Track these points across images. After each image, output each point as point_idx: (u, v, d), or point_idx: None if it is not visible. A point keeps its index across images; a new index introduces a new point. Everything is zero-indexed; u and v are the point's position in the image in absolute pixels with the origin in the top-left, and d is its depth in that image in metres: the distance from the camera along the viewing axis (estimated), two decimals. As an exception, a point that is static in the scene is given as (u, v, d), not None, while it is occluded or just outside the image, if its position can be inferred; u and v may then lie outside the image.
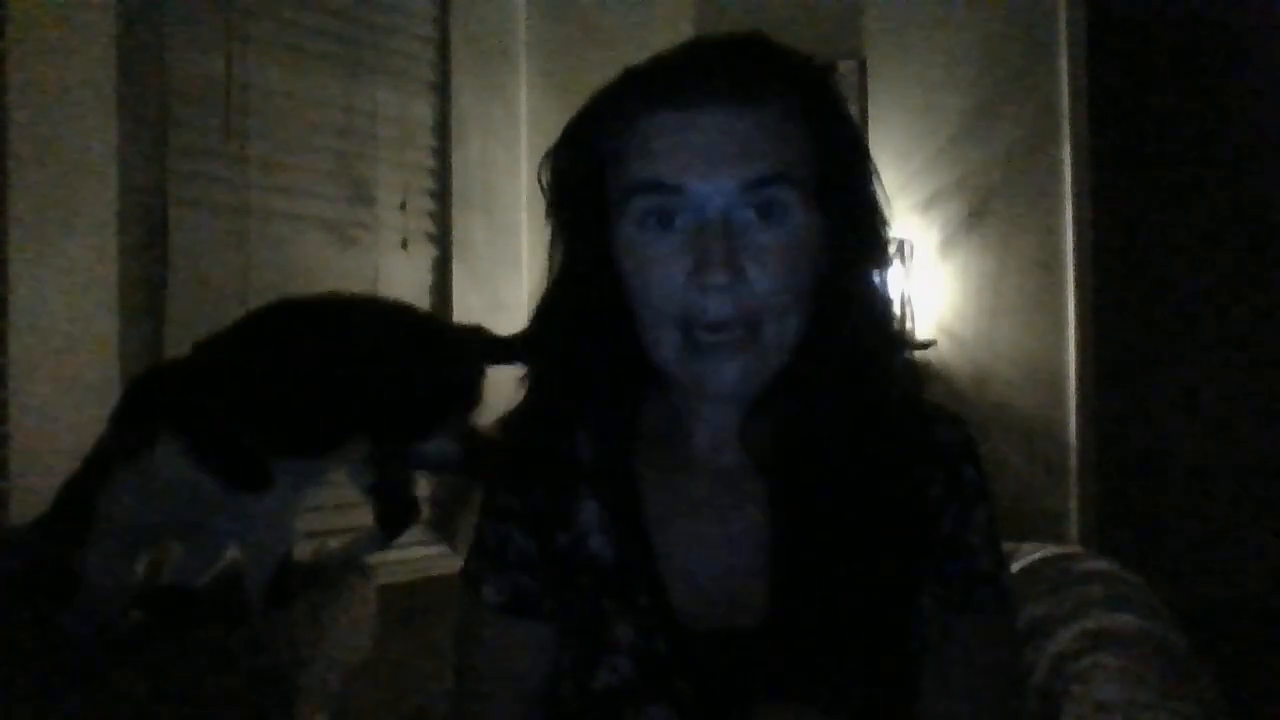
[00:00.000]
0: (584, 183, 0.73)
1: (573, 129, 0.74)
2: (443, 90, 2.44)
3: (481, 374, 1.61)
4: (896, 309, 0.80)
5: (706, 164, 0.66)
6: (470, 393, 1.60)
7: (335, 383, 1.46)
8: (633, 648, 0.73)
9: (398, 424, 1.53)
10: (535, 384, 0.79)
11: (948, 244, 2.71)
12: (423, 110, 2.42)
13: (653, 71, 0.70)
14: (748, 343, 0.68)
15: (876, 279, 0.73)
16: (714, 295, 0.67)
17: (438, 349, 1.58)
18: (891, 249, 0.76)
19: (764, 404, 0.73)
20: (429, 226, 2.42)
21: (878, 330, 0.73)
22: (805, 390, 0.72)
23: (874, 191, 0.73)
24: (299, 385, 1.44)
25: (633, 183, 0.69)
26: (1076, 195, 2.70)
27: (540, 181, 0.75)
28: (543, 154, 0.75)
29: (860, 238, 0.72)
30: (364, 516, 2.22)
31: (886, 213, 0.74)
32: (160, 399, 1.40)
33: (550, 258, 0.77)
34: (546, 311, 0.77)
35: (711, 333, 0.68)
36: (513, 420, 0.81)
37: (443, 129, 2.44)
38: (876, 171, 0.73)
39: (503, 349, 1.59)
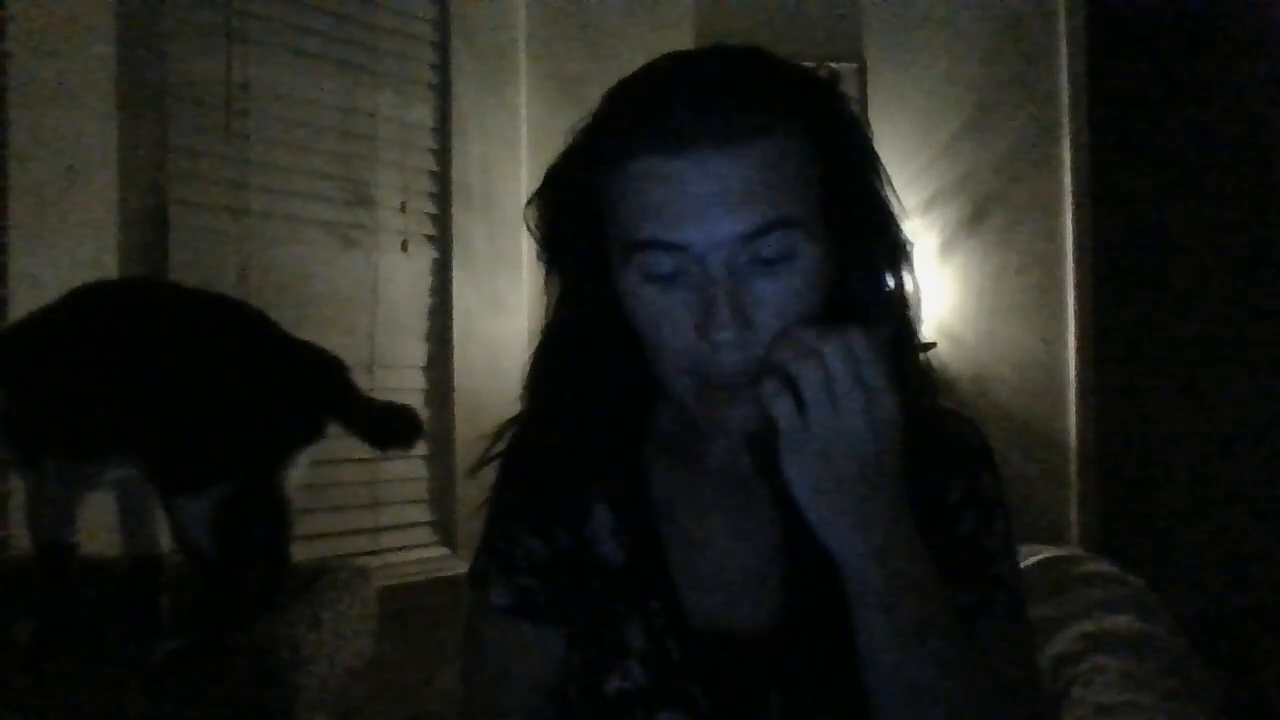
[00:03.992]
0: (580, 228, 0.71)
1: (558, 170, 0.72)
2: (443, 92, 2.43)
3: (299, 433, 1.35)
4: (916, 311, 0.80)
5: (706, 218, 0.63)
6: (269, 448, 1.33)
7: (99, 383, 1.30)
8: (644, 652, 0.73)
9: (163, 456, 1.28)
10: (538, 403, 0.78)
11: (948, 245, 2.71)
12: (422, 111, 2.42)
13: (640, 107, 0.66)
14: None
15: (891, 282, 0.72)
16: (722, 351, 0.65)
17: (251, 380, 1.32)
18: (907, 250, 0.73)
19: None
20: (429, 228, 2.42)
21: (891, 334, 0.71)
22: None
23: (885, 196, 0.71)
24: (62, 378, 1.31)
25: (631, 240, 0.66)
26: (1076, 195, 2.70)
27: (528, 223, 0.73)
28: (542, 156, 0.74)
29: (872, 244, 0.71)
30: (364, 517, 2.24)
31: (899, 215, 0.72)
32: None
33: (548, 296, 0.75)
34: (550, 349, 0.76)
35: (723, 383, 0.67)
36: (519, 426, 0.81)
37: (443, 130, 2.43)
38: (887, 175, 0.72)
39: (355, 409, 1.37)
